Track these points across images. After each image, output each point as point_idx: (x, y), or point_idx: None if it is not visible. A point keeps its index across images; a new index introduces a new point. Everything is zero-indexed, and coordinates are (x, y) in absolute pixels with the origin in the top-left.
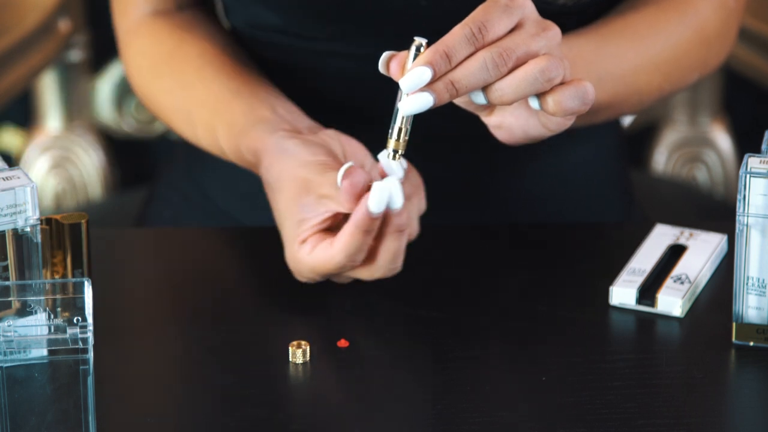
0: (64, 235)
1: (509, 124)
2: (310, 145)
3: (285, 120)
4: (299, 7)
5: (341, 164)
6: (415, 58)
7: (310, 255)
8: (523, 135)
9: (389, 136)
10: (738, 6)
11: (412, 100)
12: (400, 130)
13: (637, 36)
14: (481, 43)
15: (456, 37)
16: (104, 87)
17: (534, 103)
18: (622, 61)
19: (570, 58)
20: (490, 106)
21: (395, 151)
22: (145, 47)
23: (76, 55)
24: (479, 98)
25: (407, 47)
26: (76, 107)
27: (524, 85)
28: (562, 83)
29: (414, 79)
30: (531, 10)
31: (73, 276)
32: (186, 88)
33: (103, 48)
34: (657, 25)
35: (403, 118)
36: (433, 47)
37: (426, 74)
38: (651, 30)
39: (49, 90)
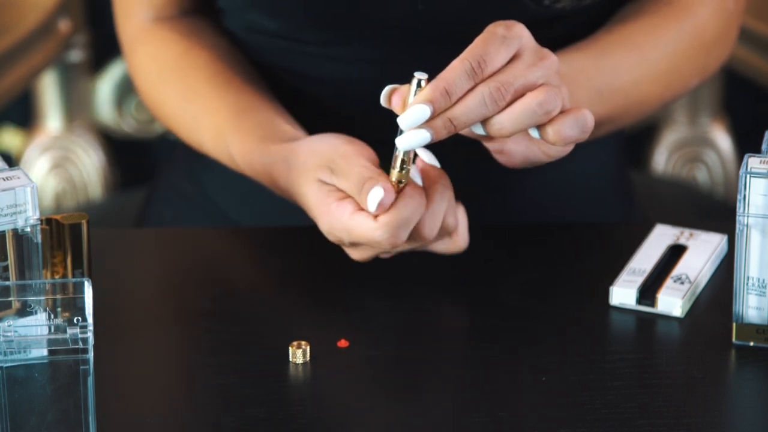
0: (64, 235)
1: (510, 150)
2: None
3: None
4: (297, 13)
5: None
6: (416, 93)
7: (350, 217)
8: (524, 160)
9: (392, 167)
10: (738, 8)
11: (410, 136)
12: (403, 161)
13: (636, 47)
14: (480, 78)
15: (456, 72)
16: (104, 87)
17: (534, 133)
18: (622, 73)
19: (570, 74)
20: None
21: (399, 182)
22: (151, 53)
23: (76, 55)
24: (479, 129)
25: (405, 51)
26: (76, 107)
27: (522, 118)
28: (561, 112)
29: (413, 117)
30: (528, 39)
31: (73, 276)
32: (193, 94)
33: (103, 48)
34: (655, 33)
35: (403, 152)
36: (433, 83)
37: (425, 112)
38: (650, 39)
39: (49, 90)
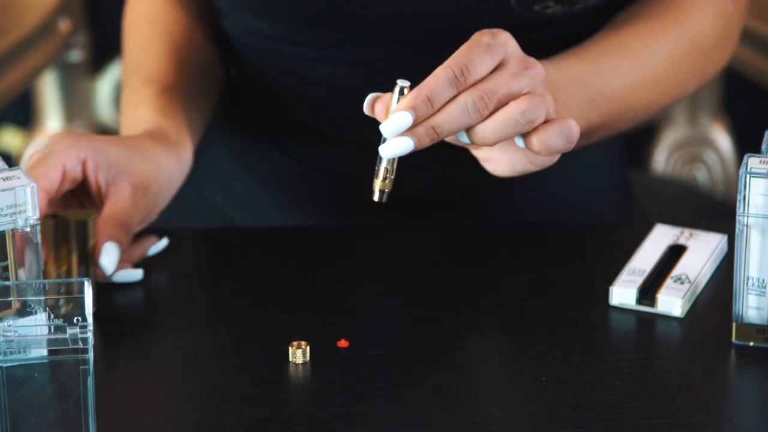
0: (70, 232)
1: (496, 158)
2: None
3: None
4: (288, 15)
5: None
6: (398, 101)
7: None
8: (510, 169)
9: (375, 176)
10: (739, 11)
11: (393, 144)
12: (386, 170)
13: (631, 52)
14: (463, 86)
15: (439, 80)
16: (104, 87)
17: (519, 141)
18: (617, 79)
19: (562, 81)
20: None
21: (382, 192)
22: (139, 5)
23: (76, 55)
24: (463, 138)
25: (395, 54)
26: (76, 107)
27: (505, 127)
28: (546, 121)
29: (395, 125)
30: (514, 47)
31: (79, 271)
32: (144, 53)
33: (103, 48)
34: (652, 39)
35: (386, 160)
36: (415, 91)
37: (407, 120)
38: (646, 45)
39: (49, 90)
